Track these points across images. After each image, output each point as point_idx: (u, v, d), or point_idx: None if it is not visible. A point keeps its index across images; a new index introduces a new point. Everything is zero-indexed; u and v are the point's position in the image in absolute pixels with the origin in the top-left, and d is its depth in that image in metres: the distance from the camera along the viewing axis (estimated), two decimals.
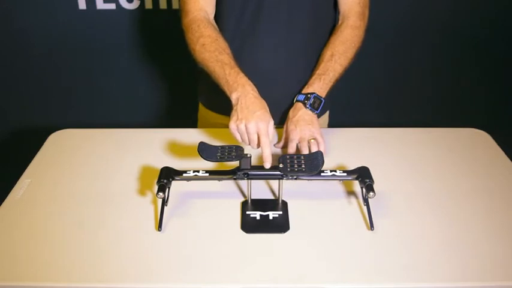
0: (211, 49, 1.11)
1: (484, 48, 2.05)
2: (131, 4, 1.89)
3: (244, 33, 1.19)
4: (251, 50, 1.20)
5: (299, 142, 1.09)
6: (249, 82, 1.06)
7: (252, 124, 0.97)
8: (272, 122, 1.01)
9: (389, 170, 1.08)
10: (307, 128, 1.10)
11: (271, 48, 1.20)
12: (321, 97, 1.14)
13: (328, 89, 1.16)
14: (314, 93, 1.13)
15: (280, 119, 1.23)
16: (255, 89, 1.06)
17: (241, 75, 1.07)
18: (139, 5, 1.89)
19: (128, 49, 1.99)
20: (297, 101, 1.15)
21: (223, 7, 1.20)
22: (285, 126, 1.14)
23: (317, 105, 1.13)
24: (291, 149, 1.09)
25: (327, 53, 1.18)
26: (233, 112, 1.03)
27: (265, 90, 1.23)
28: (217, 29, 1.18)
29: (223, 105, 1.26)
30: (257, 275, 0.80)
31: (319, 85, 1.15)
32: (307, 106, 1.13)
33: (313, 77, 1.16)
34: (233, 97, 1.04)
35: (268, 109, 1.04)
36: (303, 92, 1.15)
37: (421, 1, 1.93)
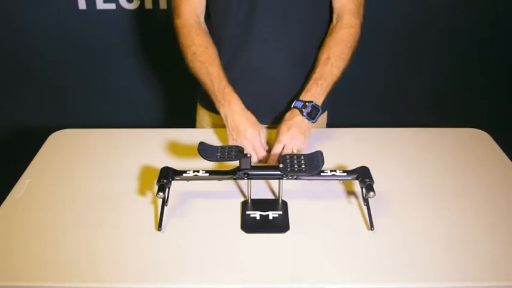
0: (201, 59, 1.15)
1: (484, 49, 2.05)
2: (131, 4, 1.89)
3: (240, 31, 1.19)
4: (247, 48, 1.20)
5: (284, 147, 1.08)
6: (235, 97, 1.12)
7: (246, 145, 1.06)
8: (262, 129, 1.12)
9: (389, 170, 1.08)
10: (299, 138, 1.09)
11: (267, 45, 1.20)
12: (319, 106, 1.12)
13: (325, 94, 1.15)
14: (312, 101, 1.11)
15: (276, 118, 1.23)
16: (241, 104, 1.12)
17: (228, 89, 1.12)
18: (139, 5, 1.89)
19: (128, 49, 1.99)
20: (294, 107, 1.13)
21: (218, 6, 1.20)
22: (278, 127, 1.13)
23: (314, 115, 1.12)
24: (276, 150, 1.08)
25: (323, 56, 1.17)
26: (227, 132, 1.12)
27: (262, 88, 1.23)
28: (208, 33, 1.21)
29: None
30: (257, 275, 0.80)
31: (317, 91, 1.13)
32: (304, 114, 1.11)
33: (311, 82, 1.15)
34: (221, 113, 1.13)
35: (255, 120, 1.11)
36: (301, 98, 1.13)
37: (421, 1, 1.93)
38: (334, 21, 1.21)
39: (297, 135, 1.09)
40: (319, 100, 1.13)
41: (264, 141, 1.12)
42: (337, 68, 1.16)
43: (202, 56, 1.15)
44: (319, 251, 0.85)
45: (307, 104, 1.11)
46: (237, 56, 1.21)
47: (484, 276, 0.79)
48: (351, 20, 1.19)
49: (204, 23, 1.23)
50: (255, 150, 1.09)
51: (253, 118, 1.12)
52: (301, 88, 1.17)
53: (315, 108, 1.12)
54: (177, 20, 1.20)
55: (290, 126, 1.09)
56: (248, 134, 1.09)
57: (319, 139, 1.19)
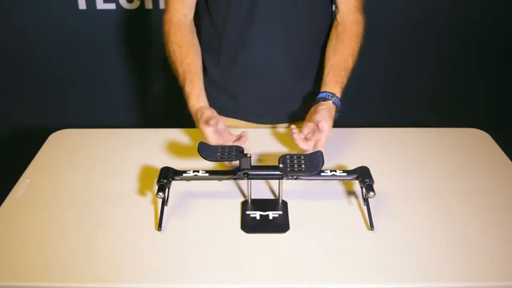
0: (173, 59, 1.18)
1: (484, 48, 2.05)
2: (131, 4, 1.89)
3: (241, 31, 1.19)
4: (247, 48, 1.20)
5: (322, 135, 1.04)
6: (193, 97, 1.12)
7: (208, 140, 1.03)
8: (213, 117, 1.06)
9: (389, 170, 1.08)
10: (329, 134, 1.05)
11: (267, 45, 1.19)
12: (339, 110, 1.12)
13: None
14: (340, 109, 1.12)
15: (276, 118, 1.22)
16: (196, 102, 1.12)
17: (189, 88, 1.13)
18: (140, 5, 1.89)
19: (128, 49, 1.99)
20: (334, 104, 1.11)
21: (219, 6, 1.20)
22: (323, 122, 1.05)
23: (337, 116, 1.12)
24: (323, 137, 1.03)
25: (345, 52, 1.16)
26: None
27: (262, 88, 1.23)
28: (191, 32, 1.21)
29: (219, 106, 1.26)
30: (257, 275, 0.80)
31: (339, 93, 1.14)
32: (336, 117, 1.10)
33: (336, 85, 1.14)
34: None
35: (204, 111, 1.09)
36: (336, 95, 1.13)
37: (421, 1, 1.93)
38: (343, 17, 1.20)
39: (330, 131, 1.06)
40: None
41: (221, 127, 1.06)
42: (353, 65, 1.18)
43: (175, 55, 1.17)
44: (319, 251, 0.85)
45: (340, 109, 1.12)
46: (237, 56, 1.21)
47: (484, 276, 0.79)
48: (359, 17, 1.20)
49: (192, 22, 1.22)
50: (208, 139, 1.03)
51: (202, 109, 1.09)
52: (301, 88, 1.17)
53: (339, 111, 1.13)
54: (164, 15, 1.22)
55: (331, 122, 1.06)
56: (201, 128, 1.05)
57: None
